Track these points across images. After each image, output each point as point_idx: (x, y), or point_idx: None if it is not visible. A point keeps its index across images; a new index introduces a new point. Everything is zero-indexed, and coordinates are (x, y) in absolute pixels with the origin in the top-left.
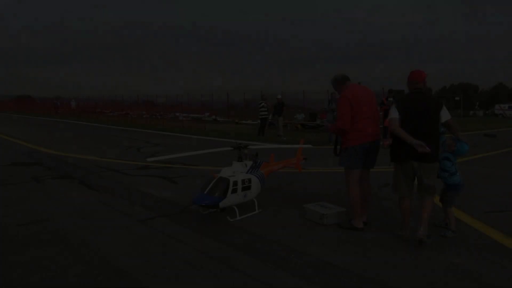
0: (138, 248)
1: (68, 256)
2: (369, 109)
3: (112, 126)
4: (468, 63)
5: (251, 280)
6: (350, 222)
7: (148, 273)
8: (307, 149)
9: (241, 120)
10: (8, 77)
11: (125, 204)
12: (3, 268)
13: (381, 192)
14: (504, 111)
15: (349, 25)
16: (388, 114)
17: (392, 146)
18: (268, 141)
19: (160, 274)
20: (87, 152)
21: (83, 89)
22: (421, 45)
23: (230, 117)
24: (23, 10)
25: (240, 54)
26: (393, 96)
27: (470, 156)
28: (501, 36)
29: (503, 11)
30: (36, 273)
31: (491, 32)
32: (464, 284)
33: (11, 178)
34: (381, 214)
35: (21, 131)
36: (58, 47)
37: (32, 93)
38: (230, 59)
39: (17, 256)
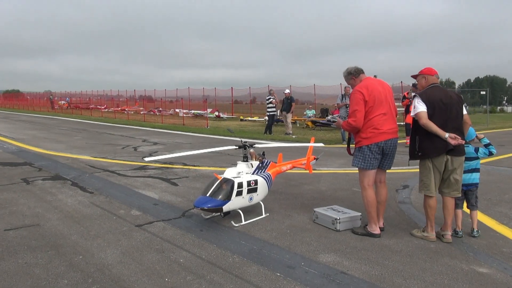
0: (135, 255)
1: (60, 263)
2: (385, 104)
3: (107, 123)
4: (495, 54)
5: None
6: (365, 228)
7: (147, 282)
8: (318, 149)
9: (246, 116)
10: None
11: (121, 207)
12: None
13: (400, 195)
14: None
15: (369, 14)
16: (412, 108)
17: (420, 141)
18: (276, 140)
19: (159, 284)
20: (80, 152)
21: (76, 83)
22: (444, 35)
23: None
24: None
25: (246, 45)
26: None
27: (498, 156)
28: None
29: None
30: (26, 281)
31: None
32: None
33: None
34: (399, 218)
35: (10, 129)
36: (48, 38)
37: (21, 88)
38: (236, 50)
39: (5, 262)
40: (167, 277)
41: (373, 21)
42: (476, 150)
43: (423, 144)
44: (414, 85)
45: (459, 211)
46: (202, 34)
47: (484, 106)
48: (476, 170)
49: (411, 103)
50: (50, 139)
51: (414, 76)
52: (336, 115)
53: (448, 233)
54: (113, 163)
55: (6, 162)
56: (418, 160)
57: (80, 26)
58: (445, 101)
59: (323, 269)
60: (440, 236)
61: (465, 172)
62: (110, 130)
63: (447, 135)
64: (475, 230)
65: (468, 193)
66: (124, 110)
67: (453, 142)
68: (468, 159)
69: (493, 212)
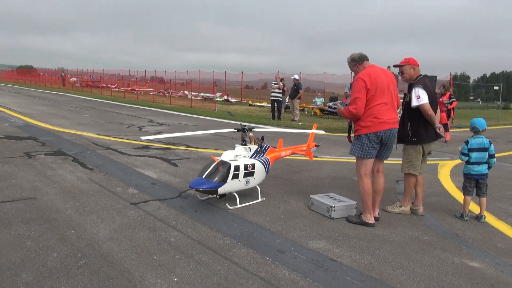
0: (126, 233)
1: (52, 237)
2: (387, 93)
3: (116, 102)
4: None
5: (245, 273)
6: (360, 217)
7: (135, 259)
8: (319, 136)
9: (255, 101)
10: (8, 46)
11: (119, 185)
12: None
13: (400, 187)
14: None
15: (386, 5)
16: (415, 99)
17: (414, 128)
18: (281, 126)
19: (148, 261)
20: (85, 129)
21: (89, 62)
22: (461, 29)
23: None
24: None
25: (260, 30)
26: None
27: (505, 152)
28: None
29: None
30: (16, 252)
31: None
32: None
33: (2, 152)
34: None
35: (20, 104)
36: (63, 15)
37: (34, 64)
38: (249, 35)
39: None
40: (156, 255)
41: (390, 12)
42: (490, 142)
43: (418, 131)
44: (425, 76)
45: (468, 198)
46: (217, 17)
47: (498, 102)
48: (491, 156)
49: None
50: (57, 115)
51: (399, 66)
52: (344, 102)
53: (421, 208)
54: (116, 141)
55: (12, 136)
56: (403, 144)
57: (94, 4)
58: (433, 92)
59: (312, 255)
60: (414, 211)
61: (480, 163)
62: (118, 109)
63: (437, 125)
64: (482, 216)
65: (480, 182)
66: (134, 90)
67: (439, 131)
68: (483, 149)
69: (493, 207)
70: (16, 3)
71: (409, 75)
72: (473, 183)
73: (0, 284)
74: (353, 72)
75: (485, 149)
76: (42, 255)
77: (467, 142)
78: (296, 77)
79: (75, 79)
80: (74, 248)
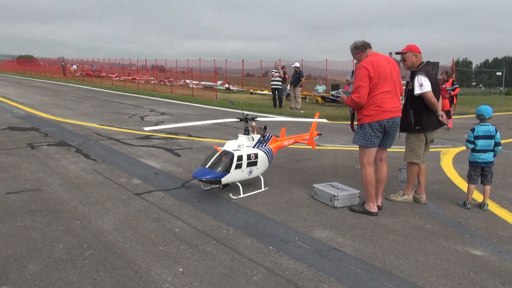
0: (131, 223)
1: (57, 228)
2: (390, 82)
3: (117, 91)
4: None
5: (249, 262)
6: (363, 206)
7: (140, 250)
8: (322, 124)
9: (257, 90)
10: (7, 36)
11: (123, 175)
12: None
13: (402, 175)
14: None
15: None
16: (418, 87)
17: (417, 116)
18: (283, 114)
19: (153, 252)
20: (87, 119)
21: (89, 51)
22: (464, 14)
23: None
24: None
25: (261, 17)
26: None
27: (508, 139)
28: None
29: None
30: (23, 243)
31: None
32: (480, 277)
33: (5, 143)
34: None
35: (21, 94)
36: (63, 4)
37: (33, 53)
38: (250, 22)
39: (3, 225)
40: (161, 245)
41: None
42: (496, 130)
43: (421, 119)
44: (428, 62)
45: (472, 186)
46: (217, 4)
47: (500, 88)
48: (497, 144)
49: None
50: (59, 105)
51: (401, 53)
52: (347, 90)
53: (424, 196)
54: (118, 132)
55: (14, 127)
56: (406, 133)
57: None
58: (436, 79)
59: (316, 244)
60: (416, 200)
61: (486, 151)
62: (120, 98)
63: (439, 113)
64: (485, 204)
65: (486, 170)
66: (135, 79)
67: (442, 119)
68: (489, 137)
69: (495, 195)
70: None
71: (411, 63)
72: (478, 171)
73: (7, 275)
74: (355, 60)
75: (491, 137)
76: (48, 246)
77: (473, 130)
78: (297, 64)
79: (75, 67)
80: (80, 239)
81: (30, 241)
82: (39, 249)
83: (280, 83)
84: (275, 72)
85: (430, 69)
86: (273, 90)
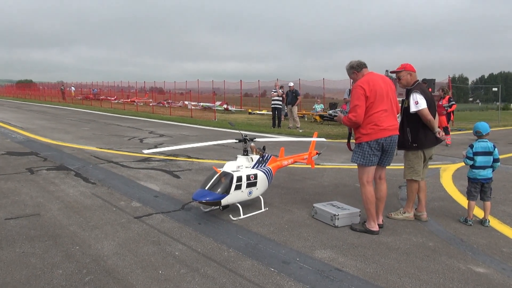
0: (131, 247)
1: (56, 253)
2: (387, 100)
3: (116, 114)
4: (510, 50)
5: (250, 285)
6: (364, 225)
7: (140, 274)
8: (320, 143)
9: (255, 109)
10: (7, 61)
11: (122, 199)
12: None
13: (402, 192)
14: None
15: (383, 8)
16: (414, 105)
17: (414, 133)
18: (282, 134)
19: (153, 276)
20: (86, 142)
21: (88, 74)
22: (459, 30)
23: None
24: None
25: (258, 37)
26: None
27: (507, 154)
28: None
29: None
30: (22, 270)
31: None
32: None
33: (4, 168)
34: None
35: (20, 119)
36: (61, 28)
37: (34, 78)
38: (247, 43)
39: (2, 251)
40: (161, 269)
41: (387, 16)
42: (494, 146)
43: (418, 136)
44: (424, 80)
45: (473, 203)
46: (215, 26)
47: (497, 103)
48: (496, 160)
49: (409, 96)
50: (58, 129)
51: (395, 72)
52: (344, 110)
53: (425, 213)
54: (117, 154)
55: (13, 151)
56: (404, 151)
57: (92, 16)
58: (431, 98)
59: (318, 265)
60: (417, 217)
61: (485, 167)
62: (119, 121)
63: (437, 129)
64: (487, 220)
65: (486, 186)
66: (134, 101)
67: (439, 136)
68: (487, 153)
69: (496, 211)
70: (14, 17)
71: (406, 81)
72: (478, 188)
73: None
74: (352, 80)
75: (489, 153)
76: (47, 273)
77: (471, 146)
78: (292, 84)
79: (73, 88)
80: (79, 264)
81: (29, 267)
82: (38, 276)
83: (280, 102)
84: (274, 91)
85: (425, 87)
86: (273, 109)
